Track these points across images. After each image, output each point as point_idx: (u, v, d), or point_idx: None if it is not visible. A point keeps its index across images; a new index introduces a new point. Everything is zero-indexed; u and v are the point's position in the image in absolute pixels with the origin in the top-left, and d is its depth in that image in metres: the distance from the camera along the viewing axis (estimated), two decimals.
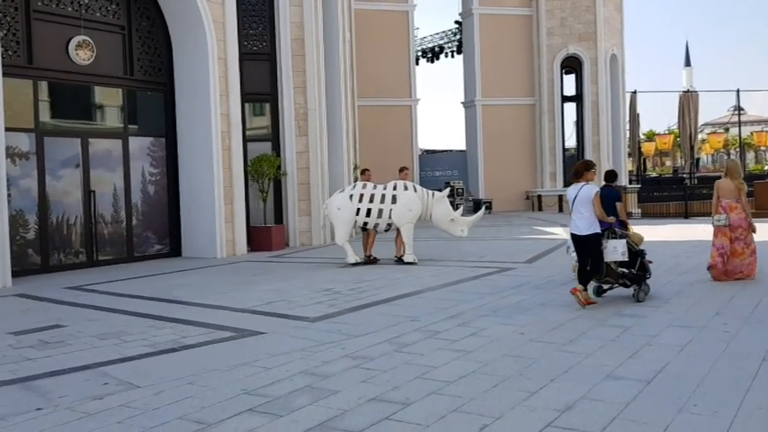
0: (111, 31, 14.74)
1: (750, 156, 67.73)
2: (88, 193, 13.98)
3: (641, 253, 8.17)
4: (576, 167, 8.26)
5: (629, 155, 32.45)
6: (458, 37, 33.68)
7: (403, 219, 12.28)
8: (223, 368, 5.50)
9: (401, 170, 13.42)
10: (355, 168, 21.62)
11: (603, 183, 9.34)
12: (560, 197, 28.27)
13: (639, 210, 25.57)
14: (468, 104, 30.24)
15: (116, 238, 14.54)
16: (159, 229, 15.42)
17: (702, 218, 20.22)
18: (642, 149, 39.92)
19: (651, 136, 54.41)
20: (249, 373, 5.31)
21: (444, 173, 31.47)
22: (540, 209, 28.70)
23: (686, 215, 23.01)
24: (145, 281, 11.63)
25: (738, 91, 31.03)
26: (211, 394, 4.80)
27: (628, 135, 30.76)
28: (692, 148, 31.50)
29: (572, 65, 29.73)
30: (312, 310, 8.01)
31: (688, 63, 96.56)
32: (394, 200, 12.33)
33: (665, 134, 48.23)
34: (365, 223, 12.50)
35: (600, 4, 28.81)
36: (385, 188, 12.55)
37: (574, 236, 8.07)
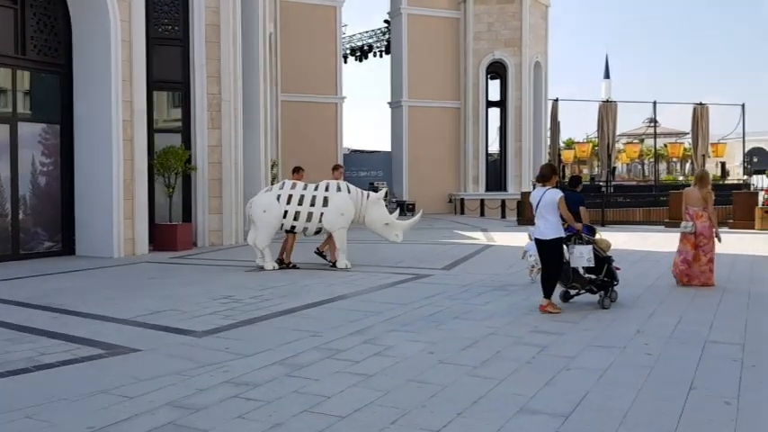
0: (1, 4, 13.32)
1: (662, 166, 70.39)
2: None
3: (608, 259, 7.97)
4: (544, 171, 7.96)
5: (550, 162, 32.77)
6: (386, 36, 33.21)
7: (335, 224, 11.41)
8: (75, 397, 4.61)
9: (334, 169, 12.55)
10: (273, 165, 20.72)
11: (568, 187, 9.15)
12: (482, 201, 28.21)
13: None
14: (395, 105, 29.79)
15: None
16: (50, 225, 14.07)
17: (618, 226, 20.38)
18: (562, 157, 40.57)
19: (570, 144, 55.61)
20: (104, 404, 4.45)
21: (369, 173, 30.92)
22: (462, 212, 28.54)
23: (603, 223, 23.24)
24: (24, 282, 10.42)
25: (655, 103, 31.80)
26: None
27: (548, 142, 31.03)
28: (609, 156, 32.06)
29: (497, 70, 29.73)
30: (203, 322, 7.15)
31: (607, 75, 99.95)
32: (325, 202, 11.44)
33: (583, 143, 49.30)
34: (293, 227, 11.60)
35: (526, 12, 28.92)
36: (316, 189, 11.61)
37: (538, 241, 7.77)
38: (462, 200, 28.82)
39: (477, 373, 5.21)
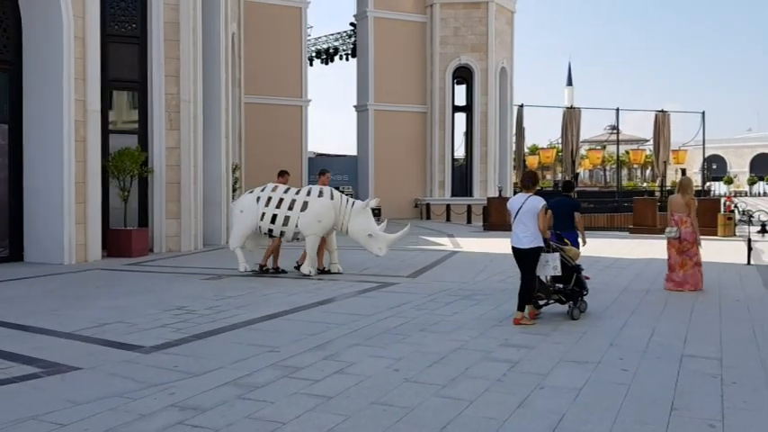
0: None
1: (624, 173, 71.42)
2: None
3: (577, 268, 7.78)
4: (531, 177, 7.84)
5: (515, 167, 32.82)
6: (352, 39, 32.86)
7: (310, 229, 10.95)
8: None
9: (320, 174, 12.08)
10: (235, 169, 20.16)
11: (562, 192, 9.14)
12: (448, 206, 28.01)
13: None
14: (361, 108, 29.43)
15: None
16: None
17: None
18: (526, 162, 40.76)
19: (535, 150, 56.06)
20: None
21: (334, 177, 30.42)
22: (428, 217, 28.30)
23: None
24: None
25: (618, 110, 32.09)
26: None
27: (514, 147, 31.03)
28: (572, 162, 32.23)
29: (463, 75, 29.62)
30: (152, 335, 6.67)
31: (570, 83, 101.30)
32: (305, 207, 11.00)
33: (547, 148, 49.69)
34: (270, 230, 11.16)
35: (492, 17, 28.88)
36: (297, 193, 11.22)
37: (515, 249, 7.49)
38: (428, 205, 28.59)
39: (445, 393, 4.86)
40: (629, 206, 24.02)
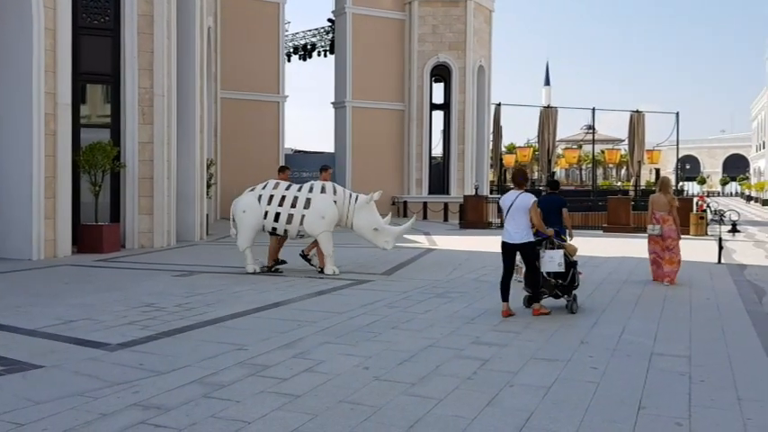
0: None
1: (599, 172, 72.06)
2: None
3: (574, 264, 7.97)
4: (522, 174, 8.15)
5: (492, 166, 32.92)
6: (330, 36, 32.71)
7: (315, 228, 10.74)
8: None
9: (322, 170, 11.85)
10: (210, 164, 19.95)
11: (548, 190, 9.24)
12: (425, 204, 28.02)
13: (499, 219, 25.74)
14: (339, 105, 29.30)
15: None
16: None
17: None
18: (503, 161, 40.92)
19: (512, 149, 56.28)
20: None
21: (311, 174, 30.32)
22: (405, 215, 28.23)
23: None
24: None
25: (594, 110, 32.31)
26: None
27: (491, 146, 31.12)
28: (549, 161, 32.42)
29: (441, 73, 29.63)
30: (118, 333, 6.54)
31: (548, 82, 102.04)
32: (307, 204, 10.81)
33: (524, 147, 49.95)
34: (274, 228, 10.97)
35: (470, 15, 28.91)
36: (299, 189, 11.00)
37: (504, 244, 7.74)
38: (405, 202, 28.56)
39: (414, 391, 4.82)
40: (603, 205, 24.21)
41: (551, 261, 7.65)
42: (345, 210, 10.98)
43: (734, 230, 21.43)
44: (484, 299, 8.80)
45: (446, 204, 27.49)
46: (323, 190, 11.00)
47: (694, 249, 14.97)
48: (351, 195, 11.15)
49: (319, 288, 9.58)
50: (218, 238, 17.96)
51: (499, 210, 8.11)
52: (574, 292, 7.96)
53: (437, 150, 30.85)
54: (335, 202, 10.94)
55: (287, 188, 11.10)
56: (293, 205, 10.86)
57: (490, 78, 31.35)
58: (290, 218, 10.84)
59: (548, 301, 7.92)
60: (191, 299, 8.52)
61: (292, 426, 4.08)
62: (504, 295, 7.67)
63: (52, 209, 13.26)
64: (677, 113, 31.19)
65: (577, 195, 35.09)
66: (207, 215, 18.64)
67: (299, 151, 38.82)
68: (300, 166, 30.98)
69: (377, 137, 28.74)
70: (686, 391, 4.91)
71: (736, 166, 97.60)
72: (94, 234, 14.03)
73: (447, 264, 12.67)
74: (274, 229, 11.00)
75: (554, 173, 44.77)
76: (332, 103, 29.88)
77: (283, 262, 11.43)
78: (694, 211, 21.26)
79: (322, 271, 11.06)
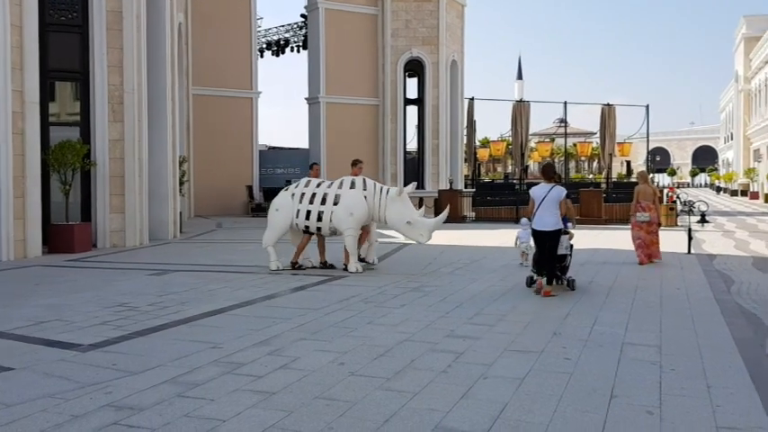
0: None
1: (572, 165, 72.84)
2: None
3: (571, 248, 9.18)
4: (552, 169, 9.09)
5: (466, 160, 33.05)
6: (303, 31, 32.57)
7: (342, 224, 10.52)
8: None
9: (353, 164, 11.62)
10: (183, 162, 19.75)
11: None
12: None
13: (474, 213, 25.91)
14: (312, 101, 29.18)
15: None
16: None
17: None
18: (477, 155, 41.09)
19: (485, 143, 56.57)
20: None
21: (286, 170, 30.24)
22: None
23: (517, 219, 23.63)
24: None
25: (565, 103, 32.49)
26: None
27: (465, 140, 31.25)
28: (522, 155, 32.61)
29: (415, 68, 29.65)
30: (91, 333, 6.46)
31: (520, 77, 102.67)
32: (337, 200, 10.62)
33: (498, 141, 50.19)
34: (306, 227, 10.83)
35: (443, 10, 28.96)
36: (330, 186, 10.85)
37: (539, 231, 8.66)
38: None
39: (389, 386, 4.84)
40: (576, 198, 24.49)
41: (560, 245, 8.71)
42: (377, 204, 10.69)
43: (703, 221, 21.82)
44: (458, 292, 8.86)
45: (421, 199, 27.46)
46: (353, 185, 10.80)
47: (665, 240, 15.19)
48: (382, 189, 10.85)
49: (294, 285, 9.56)
50: (191, 236, 17.83)
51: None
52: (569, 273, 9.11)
53: (411, 145, 30.89)
54: (365, 197, 10.70)
55: (318, 185, 10.96)
56: (323, 202, 10.71)
57: (463, 73, 31.47)
58: (319, 215, 10.68)
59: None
60: (164, 297, 8.44)
61: (268, 423, 4.07)
62: (540, 272, 8.64)
63: (21, 209, 13.05)
64: (647, 106, 31.54)
65: None
66: (180, 213, 18.47)
67: (274, 147, 38.63)
68: (274, 163, 30.87)
69: (351, 132, 28.68)
70: (657, 379, 4.99)
71: (705, 158, 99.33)
72: (65, 234, 13.83)
73: (422, 258, 12.72)
74: (307, 227, 10.87)
75: (527, 166, 45.11)
76: (306, 98, 29.75)
77: (300, 267, 11.16)
78: (664, 203, 21.60)
79: (346, 268, 10.97)
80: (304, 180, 11.28)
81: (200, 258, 12.92)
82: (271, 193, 28.00)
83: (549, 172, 8.94)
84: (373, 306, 7.92)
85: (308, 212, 10.77)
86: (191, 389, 4.73)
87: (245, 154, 29.01)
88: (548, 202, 8.56)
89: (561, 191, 8.68)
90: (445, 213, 11.31)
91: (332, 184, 11.04)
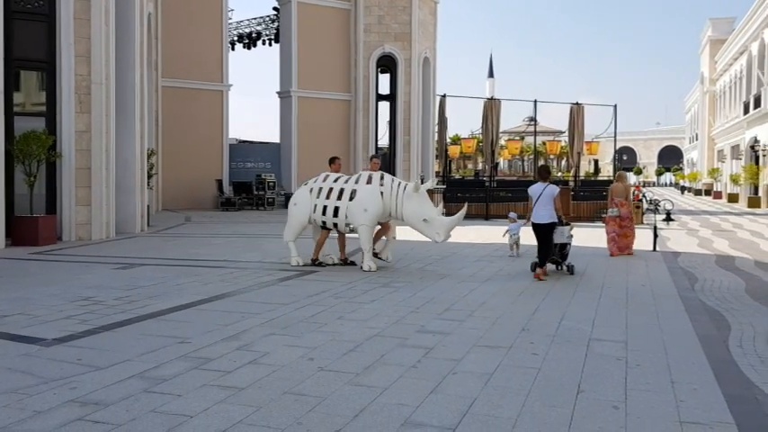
0: None
1: (541, 162, 73.57)
2: None
3: (571, 237, 10.57)
4: (547, 170, 10.50)
5: (437, 156, 33.16)
6: (276, 25, 32.32)
7: (357, 219, 10.28)
8: None
9: (371, 159, 11.40)
10: (151, 154, 19.48)
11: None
12: None
13: (444, 210, 25.98)
14: (284, 95, 29.01)
15: None
16: None
17: (502, 219, 20.77)
18: (448, 152, 41.27)
19: (456, 140, 56.84)
20: None
21: (257, 164, 30.00)
22: None
23: (487, 216, 23.82)
24: None
25: (535, 102, 32.77)
26: None
27: (436, 137, 31.35)
28: (492, 152, 32.82)
29: (387, 64, 29.65)
30: (55, 327, 6.34)
31: (491, 75, 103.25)
32: (353, 195, 10.39)
33: (469, 138, 50.44)
34: (323, 222, 10.66)
35: (416, 6, 29.00)
36: (346, 181, 10.60)
37: (537, 224, 9.93)
38: None
39: (359, 381, 4.84)
40: None
41: (561, 234, 10.16)
42: (394, 200, 10.36)
43: (668, 219, 22.23)
44: (428, 288, 8.89)
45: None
46: (369, 180, 10.55)
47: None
48: (399, 184, 10.53)
49: (264, 280, 9.50)
50: (159, 230, 17.59)
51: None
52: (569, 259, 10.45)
53: (383, 141, 30.90)
54: (382, 193, 10.40)
55: (335, 180, 10.78)
56: (339, 197, 10.52)
57: (435, 70, 31.56)
58: (335, 210, 10.50)
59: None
60: (131, 292, 8.32)
61: (235, 419, 4.04)
62: (542, 264, 9.81)
63: None
64: (615, 106, 31.97)
65: (520, 186, 35.68)
66: (148, 206, 18.23)
67: (244, 141, 38.28)
68: (245, 157, 30.60)
69: (323, 127, 28.59)
70: (623, 375, 5.07)
71: (670, 158, 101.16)
72: (29, 226, 13.55)
73: (392, 253, 12.70)
74: (324, 222, 10.73)
75: (497, 164, 45.40)
76: (277, 92, 29.56)
77: (320, 264, 10.97)
78: (631, 201, 21.92)
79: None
80: (323, 174, 11.06)
81: (169, 252, 12.77)
82: (241, 188, 27.80)
83: (544, 172, 10.38)
84: (343, 301, 7.91)
85: (325, 207, 10.60)
86: (158, 384, 4.68)
87: (216, 147, 28.70)
88: (543, 199, 9.85)
89: (554, 189, 9.88)
90: (463, 212, 10.78)
91: (349, 179, 10.82)
